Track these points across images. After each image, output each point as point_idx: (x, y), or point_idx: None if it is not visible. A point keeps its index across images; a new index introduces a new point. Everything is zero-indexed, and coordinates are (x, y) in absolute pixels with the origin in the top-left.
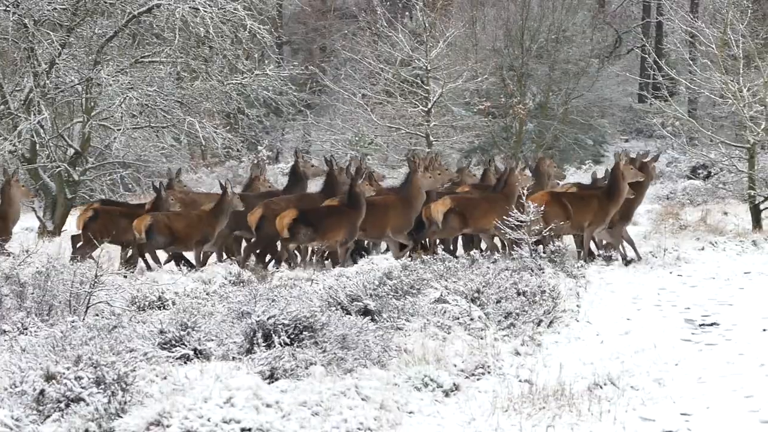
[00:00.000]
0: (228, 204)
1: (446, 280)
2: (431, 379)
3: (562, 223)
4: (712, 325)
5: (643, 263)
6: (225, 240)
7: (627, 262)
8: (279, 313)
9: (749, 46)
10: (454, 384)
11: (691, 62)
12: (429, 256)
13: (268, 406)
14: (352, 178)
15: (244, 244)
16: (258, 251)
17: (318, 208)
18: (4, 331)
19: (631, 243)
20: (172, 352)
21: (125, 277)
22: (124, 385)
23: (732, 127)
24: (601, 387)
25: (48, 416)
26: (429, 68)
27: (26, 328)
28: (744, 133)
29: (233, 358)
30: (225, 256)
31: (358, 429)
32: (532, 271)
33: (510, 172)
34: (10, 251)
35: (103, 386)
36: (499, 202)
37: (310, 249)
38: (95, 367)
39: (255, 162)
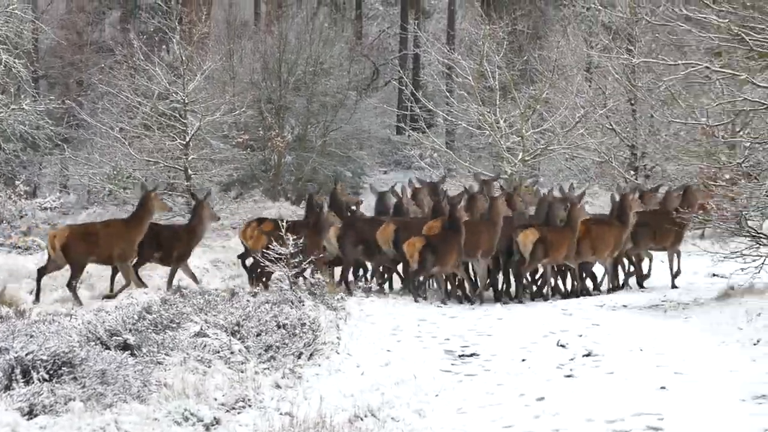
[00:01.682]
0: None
1: (206, 314)
2: (191, 414)
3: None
4: (471, 355)
5: (406, 295)
6: None
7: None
8: (37, 349)
9: (505, 77)
10: (215, 418)
11: (448, 94)
12: None
13: None
14: (572, 202)
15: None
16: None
17: (552, 228)
18: None
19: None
20: None
21: None
22: None
23: (489, 158)
24: (361, 419)
25: None
26: (187, 101)
27: None
28: (501, 163)
29: None
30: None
31: None
32: (293, 303)
33: (624, 199)
34: None
35: None
36: (614, 229)
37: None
38: None
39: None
